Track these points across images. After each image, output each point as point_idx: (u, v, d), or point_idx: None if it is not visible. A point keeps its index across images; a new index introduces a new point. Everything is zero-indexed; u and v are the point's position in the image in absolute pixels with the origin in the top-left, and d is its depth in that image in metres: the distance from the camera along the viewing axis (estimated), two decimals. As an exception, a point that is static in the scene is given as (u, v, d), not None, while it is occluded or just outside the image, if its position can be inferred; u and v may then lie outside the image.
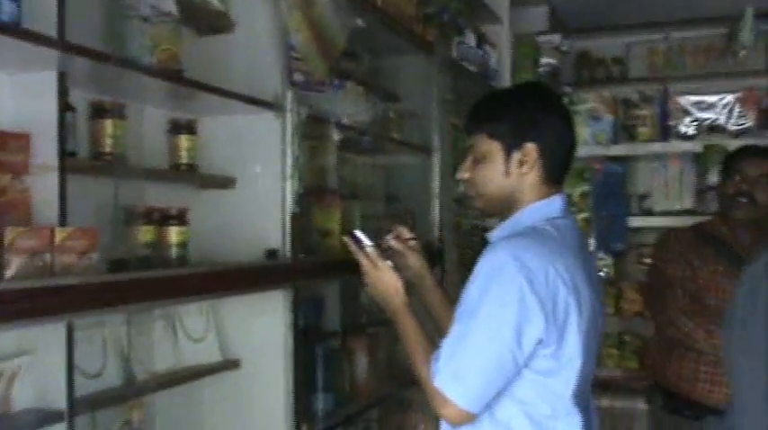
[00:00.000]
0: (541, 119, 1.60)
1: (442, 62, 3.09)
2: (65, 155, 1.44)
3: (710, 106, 3.97)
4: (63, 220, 1.41)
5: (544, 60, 4.13)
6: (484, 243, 1.64)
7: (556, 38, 4.15)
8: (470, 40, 3.59)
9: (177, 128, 1.93)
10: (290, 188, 2.00)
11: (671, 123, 4.01)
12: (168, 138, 1.94)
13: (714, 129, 3.93)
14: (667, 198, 3.95)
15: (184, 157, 1.93)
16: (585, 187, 4.03)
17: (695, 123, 3.96)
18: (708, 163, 3.90)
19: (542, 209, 1.60)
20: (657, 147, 3.95)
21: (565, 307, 1.49)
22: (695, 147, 3.93)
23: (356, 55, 2.75)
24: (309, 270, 2.08)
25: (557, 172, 1.62)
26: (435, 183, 3.09)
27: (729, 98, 3.94)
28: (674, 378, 2.34)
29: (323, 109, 2.23)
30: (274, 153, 2.01)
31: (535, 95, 1.66)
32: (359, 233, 1.79)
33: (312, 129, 2.20)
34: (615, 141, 4.09)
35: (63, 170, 1.42)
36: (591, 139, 4.12)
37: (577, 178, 4.07)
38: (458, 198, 3.22)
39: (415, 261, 1.89)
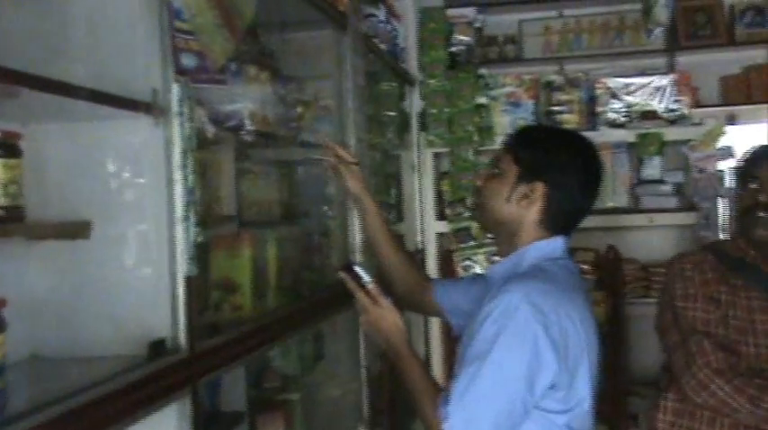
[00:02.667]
0: (566, 171, 1.60)
1: (355, 38, 2.41)
2: None
3: (640, 89, 3.52)
4: None
5: (456, 38, 3.53)
6: None
7: (469, 12, 3.56)
8: (380, 12, 2.93)
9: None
10: (182, 233, 1.27)
11: (599, 110, 3.53)
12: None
13: (647, 115, 3.48)
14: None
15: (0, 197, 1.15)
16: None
17: (625, 109, 3.50)
18: (642, 153, 3.46)
19: (544, 248, 1.61)
20: (588, 136, 3.43)
21: (575, 351, 1.49)
22: (627, 135, 3.47)
23: (250, 26, 2.02)
24: (216, 359, 1.36)
25: (557, 222, 1.62)
26: (354, 195, 2.42)
27: (662, 80, 3.51)
28: None
29: (218, 106, 1.50)
30: (154, 179, 1.27)
31: (576, 147, 1.66)
32: (358, 268, 1.72)
33: (202, 137, 1.48)
34: (538, 131, 3.56)
35: None
36: (510, 127, 3.57)
37: (496, 173, 3.52)
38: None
39: (355, 184, 1.94)
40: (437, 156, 3.60)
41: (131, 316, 1.25)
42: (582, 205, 1.64)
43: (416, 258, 3.43)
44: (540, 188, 1.58)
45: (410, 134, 3.52)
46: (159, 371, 1.18)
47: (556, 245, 1.61)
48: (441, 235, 3.58)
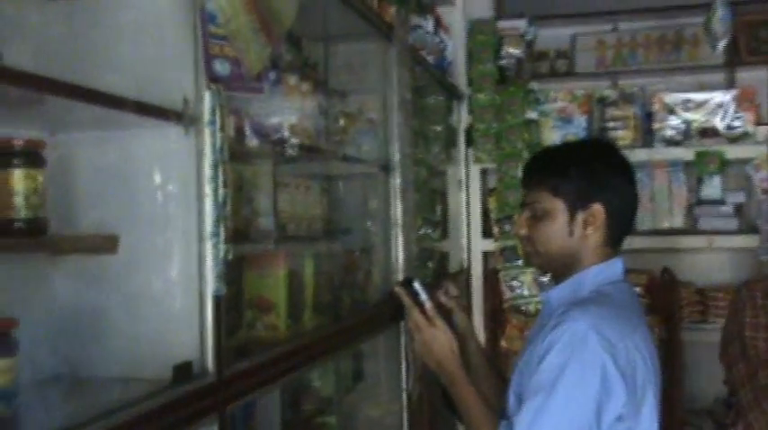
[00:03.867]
0: (609, 179, 1.55)
1: (401, 50, 2.33)
2: None
3: (700, 106, 3.37)
4: None
5: (506, 50, 3.43)
6: None
7: (520, 24, 3.46)
8: (427, 23, 2.85)
9: (5, 156, 1.10)
10: (211, 250, 1.20)
11: (655, 126, 3.38)
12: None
13: (706, 132, 3.33)
14: (654, 214, 3.31)
15: (20, 208, 1.09)
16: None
17: (683, 126, 3.35)
18: (701, 172, 3.31)
19: (605, 271, 1.54)
20: (641, 153, 3.30)
21: (642, 381, 1.43)
22: (685, 154, 3.32)
23: (294, 37, 1.96)
24: (245, 384, 1.28)
25: (620, 234, 1.57)
26: (397, 210, 2.33)
27: (723, 96, 3.35)
28: None
29: (258, 116, 1.43)
30: (184, 192, 1.20)
31: (602, 153, 1.60)
32: (417, 284, 1.66)
33: (236, 148, 1.41)
34: (591, 147, 3.43)
35: None
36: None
37: (546, 191, 3.40)
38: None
39: (462, 319, 1.77)
40: (484, 172, 3.50)
41: (157, 336, 1.19)
42: (636, 201, 1.58)
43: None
44: (599, 209, 1.51)
45: (457, 149, 3.43)
46: (185, 397, 1.10)
47: (616, 266, 1.55)
48: (487, 253, 3.47)
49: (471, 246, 3.46)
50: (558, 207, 1.53)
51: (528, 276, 3.32)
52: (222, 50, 1.22)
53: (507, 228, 3.37)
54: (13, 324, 0.91)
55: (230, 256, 1.21)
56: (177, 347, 1.18)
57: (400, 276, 2.31)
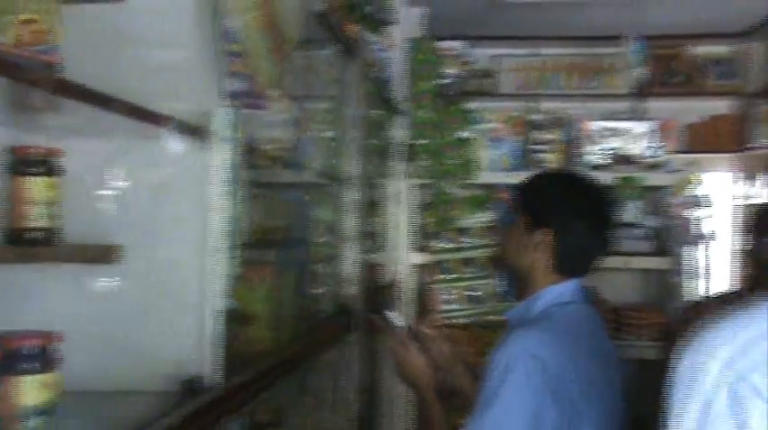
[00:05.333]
0: (564, 209, 1.66)
1: (361, 67, 2.38)
2: None
3: (623, 134, 3.58)
4: None
5: (445, 71, 3.54)
6: None
7: (457, 45, 3.57)
8: (377, 40, 2.91)
9: (24, 164, 1.07)
10: (222, 263, 1.21)
11: (580, 151, 3.57)
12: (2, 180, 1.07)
13: (627, 159, 3.54)
14: (577, 235, 3.48)
15: (36, 217, 1.07)
16: (486, 218, 3.49)
17: (607, 152, 3.55)
18: (621, 197, 3.50)
19: (554, 293, 1.65)
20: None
21: (578, 396, 1.51)
22: (607, 178, 3.51)
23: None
24: (244, 396, 1.29)
25: (567, 266, 1.66)
26: (351, 224, 2.38)
27: (643, 126, 3.57)
28: None
29: (255, 131, 1.45)
30: (196, 206, 1.21)
31: (566, 185, 1.73)
32: (389, 313, 1.83)
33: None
34: (520, 168, 3.58)
35: None
36: (492, 164, 3.59)
37: (476, 207, 3.52)
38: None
39: (443, 346, 1.89)
40: (420, 187, 3.58)
41: (164, 349, 1.18)
42: (591, 247, 1.68)
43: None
44: (547, 234, 1.64)
45: (394, 163, 3.50)
46: (196, 411, 1.11)
47: (567, 289, 1.65)
48: (419, 266, 3.56)
49: (404, 258, 3.53)
50: (521, 222, 1.69)
51: (459, 290, 3.42)
52: (238, 68, 1.24)
53: (440, 242, 3.46)
54: (56, 338, 0.90)
55: (239, 271, 1.23)
56: (184, 360, 1.18)
57: (351, 288, 2.36)
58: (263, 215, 1.82)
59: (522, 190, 1.75)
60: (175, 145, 1.19)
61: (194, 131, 1.19)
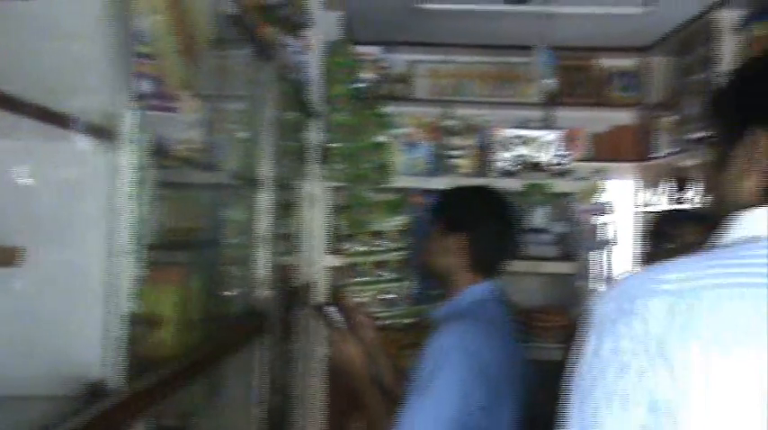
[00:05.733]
0: (477, 217, 1.92)
1: (277, 69, 2.38)
2: None
3: (531, 142, 3.69)
4: None
5: (362, 75, 3.57)
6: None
7: (375, 50, 3.61)
8: (294, 43, 2.91)
9: None
10: (128, 265, 1.20)
11: (491, 158, 3.67)
12: None
13: (535, 166, 3.66)
14: (487, 239, 3.58)
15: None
16: (400, 221, 3.54)
17: (516, 159, 3.66)
18: (529, 203, 3.62)
19: (476, 292, 1.90)
20: (479, 182, 3.56)
21: (497, 381, 1.78)
22: (517, 185, 3.62)
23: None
24: (149, 400, 1.28)
25: (487, 262, 1.92)
26: (263, 226, 2.37)
27: (551, 134, 3.70)
28: None
29: (165, 132, 1.44)
30: (101, 208, 1.19)
31: (480, 196, 1.99)
32: (330, 309, 2.07)
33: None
34: (434, 172, 3.66)
35: None
36: (407, 169, 3.65)
37: (391, 211, 3.57)
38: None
39: (374, 335, 2.15)
40: (335, 190, 3.60)
41: (67, 352, 1.16)
42: (501, 251, 1.96)
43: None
44: (462, 239, 1.88)
45: (310, 166, 3.50)
46: (98, 415, 1.09)
47: (484, 288, 1.91)
48: (333, 269, 3.57)
49: (318, 261, 3.54)
50: (439, 229, 1.94)
51: (372, 293, 3.46)
52: (146, 69, 1.23)
53: (354, 245, 3.49)
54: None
55: (144, 273, 1.22)
56: (88, 364, 1.16)
57: (263, 291, 2.36)
58: (174, 217, 1.80)
59: (441, 200, 2.02)
60: (81, 146, 1.17)
61: (101, 132, 1.17)
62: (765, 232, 0.86)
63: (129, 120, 1.20)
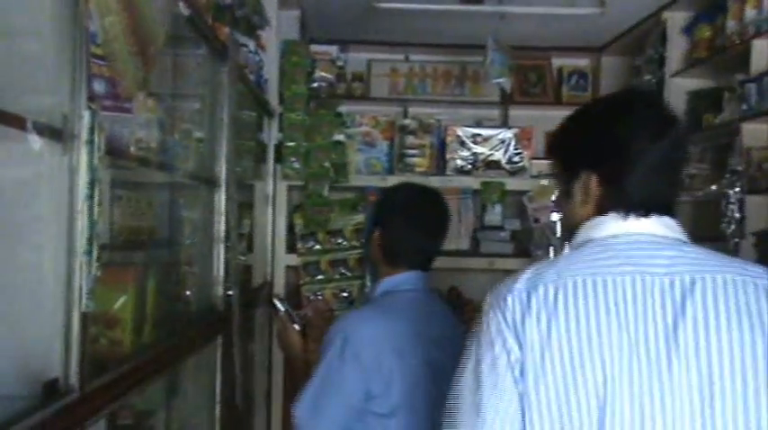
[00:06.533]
0: (391, 214, 2.02)
1: (233, 70, 2.39)
2: None
3: (486, 140, 3.75)
4: None
5: (318, 74, 3.59)
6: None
7: (332, 50, 3.63)
8: (250, 43, 2.92)
9: None
10: (82, 267, 1.20)
11: (448, 156, 3.71)
12: None
13: (490, 164, 3.72)
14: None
15: None
16: (358, 220, 3.57)
17: (472, 158, 3.71)
18: (485, 201, 3.68)
19: (389, 282, 1.99)
20: (436, 181, 3.60)
21: (387, 367, 1.82)
22: (473, 183, 3.68)
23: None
24: (105, 399, 1.29)
25: (394, 259, 1.99)
26: (221, 225, 2.38)
27: (506, 133, 3.76)
28: None
29: (121, 132, 1.45)
30: (57, 209, 1.20)
31: (401, 195, 2.10)
32: (276, 301, 2.20)
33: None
34: (391, 171, 3.69)
35: None
36: (365, 168, 3.67)
37: (349, 210, 3.60)
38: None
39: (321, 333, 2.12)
40: (291, 189, 3.61)
41: (21, 352, 1.17)
42: (412, 243, 1.99)
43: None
44: (378, 234, 2.00)
45: (266, 165, 3.51)
46: (53, 415, 1.10)
47: (400, 278, 1.97)
48: (290, 268, 3.59)
49: (275, 260, 3.55)
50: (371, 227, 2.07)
51: (328, 291, 3.48)
52: (100, 70, 1.24)
53: (311, 243, 3.51)
54: None
55: (99, 273, 1.23)
56: (42, 364, 1.17)
57: (221, 290, 2.37)
58: (129, 217, 1.81)
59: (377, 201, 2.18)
60: (36, 146, 1.17)
61: (55, 133, 1.18)
62: (595, 236, 1.19)
63: (84, 121, 1.20)
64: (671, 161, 1.22)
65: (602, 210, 1.20)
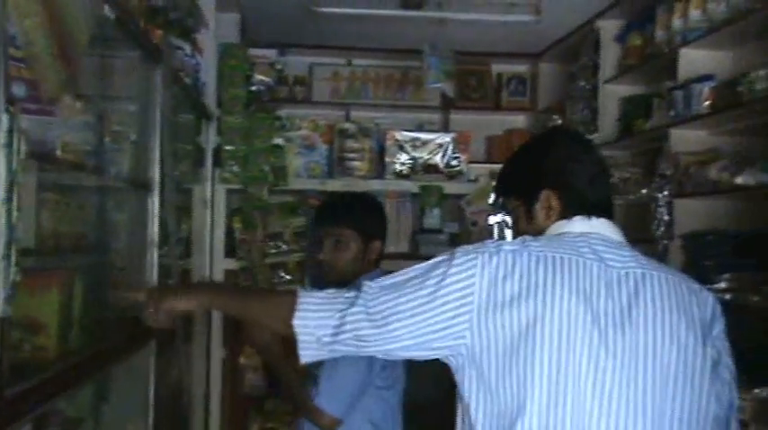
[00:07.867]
0: (377, 223, 2.44)
1: (167, 73, 2.37)
2: None
3: (425, 144, 3.79)
4: None
5: (257, 77, 3.58)
6: None
7: (270, 53, 3.63)
8: (185, 45, 2.90)
9: None
10: (1, 273, 1.19)
11: (387, 160, 3.74)
12: None
13: (429, 168, 3.76)
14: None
15: None
16: (297, 223, 3.58)
17: (411, 161, 3.75)
18: (424, 204, 3.72)
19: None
20: (375, 184, 3.64)
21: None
22: (412, 186, 3.72)
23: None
24: (24, 405, 1.27)
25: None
26: (154, 230, 2.36)
27: (444, 138, 3.81)
28: None
29: (45, 136, 1.43)
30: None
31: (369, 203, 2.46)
32: None
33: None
34: (331, 175, 3.70)
35: None
36: (304, 171, 3.68)
37: (289, 214, 3.60)
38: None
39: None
40: (230, 192, 3.60)
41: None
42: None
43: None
44: (377, 243, 2.40)
45: (204, 169, 3.49)
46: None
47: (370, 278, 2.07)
48: (229, 272, 3.57)
49: (214, 264, 3.53)
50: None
51: (268, 294, 3.47)
52: (20, 73, 1.22)
53: (251, 247, 3.50)
54: None
55: (18, 278, 1.21)
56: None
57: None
58: (57, 220, 1.78)
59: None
60: (-50, 150, 1.16)
61: (-28, 136, 1.16)
62: (568, 230, 1.40)
63: (2, 125, 1.19)
64: (604, 167, 1.48)
65: (565, 218, 1.42)
